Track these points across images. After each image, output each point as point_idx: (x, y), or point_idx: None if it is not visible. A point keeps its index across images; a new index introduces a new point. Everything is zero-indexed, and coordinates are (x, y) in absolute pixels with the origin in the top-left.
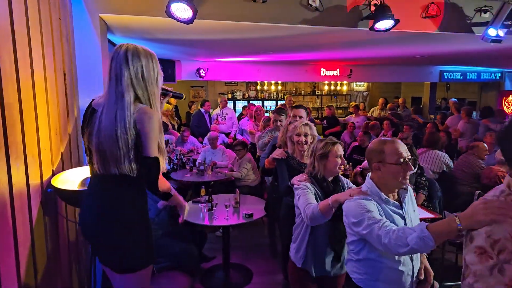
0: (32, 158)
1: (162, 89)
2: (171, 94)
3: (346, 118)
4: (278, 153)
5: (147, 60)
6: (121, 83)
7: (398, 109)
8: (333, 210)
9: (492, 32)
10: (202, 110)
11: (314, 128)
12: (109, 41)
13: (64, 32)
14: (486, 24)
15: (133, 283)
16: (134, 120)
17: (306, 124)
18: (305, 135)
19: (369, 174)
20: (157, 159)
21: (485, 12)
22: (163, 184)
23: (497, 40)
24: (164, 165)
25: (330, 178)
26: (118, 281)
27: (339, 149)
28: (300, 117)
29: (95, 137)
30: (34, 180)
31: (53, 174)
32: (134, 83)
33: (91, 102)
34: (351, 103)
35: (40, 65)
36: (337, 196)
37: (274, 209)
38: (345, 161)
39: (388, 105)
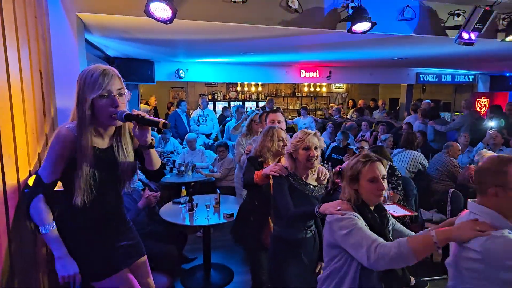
0: (8, 158)
1: (126, 114)
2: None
3: (294, 119)
4: (276, 168)
5: (80, 77)
6: None
7: (378, 110)
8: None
9: (464, 35)
10: (179, 110)
11: (322, 139)
12: (88, 41)
13: (40, 30)
14: (459, 27)
15: None
16: None
17: (315, 134)
18: (315, 148)
19: (471, 200)
20: (34, 176)
21: (458, 15)
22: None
23: (469, 43)
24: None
25: (372, 207)
26: None
27: (375, 169)
28: (279, 121)
29: None
30: (11, 181)
31: (30, 175)
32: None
33: None
34: (330, 105)
35: (15, 64)
36: (450, 233)
37: (251, 237)
38: (386, 185)
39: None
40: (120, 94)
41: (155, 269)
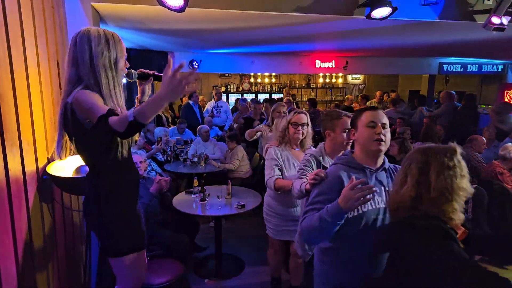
0: (27, 145)
1: (140, 72)
2: (152, 76)
3: None
4: None
5: (98, 41)
6: (68, 66)
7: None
8: None
9: (495, 20)
10: (191, 102)
11: None
12: None
13: (57, 21)
14: (489, 11)
15: (120, 267)
16: (71, 108)
17: None
18: None
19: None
20: (102, 117)
21: None
22: (122, 123)
23: (500, 28)
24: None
25: None
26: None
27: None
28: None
29: None
30: (30, 167)
31: (48, 162)
32: (80, 66)
33: None
34: (346, 96)
35: (33, 53)
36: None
37: None
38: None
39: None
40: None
41: (168, 256)
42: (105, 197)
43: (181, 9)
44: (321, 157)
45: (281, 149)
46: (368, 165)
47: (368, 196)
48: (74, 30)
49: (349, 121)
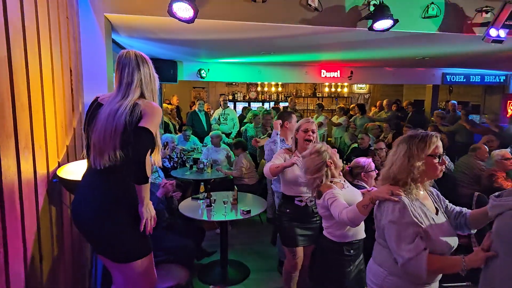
0: (39, 149)
1: None
2: None
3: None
4: None
5: (150, 63)
6: (131, 86)
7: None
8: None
9: (493, 32)
10: (197, 109)
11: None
12: (114, 41)
13: (71, 30)
14: (487, 24)
15: (133, 273)
16: (139, 111)
17: None
18: None
19: None
20: (150, 132)
21: (487, 12)
22: (148, 168)
23: (498, 40)
24: (158, 159)
25: None
26: (118, 271)
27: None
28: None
29: (93, 132)
30: (41, 170)
31: (59, 165)
32: (143, 86)
33: (96, 98)
34: (351, 105)
35: (48, 61)
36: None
37: None
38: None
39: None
40: None
41: (173, 261)
42: (121, 199)
43: (190, 21)
44: None
45: (410, 199)
46: None
47: None
48: (87, 39)
49: None
